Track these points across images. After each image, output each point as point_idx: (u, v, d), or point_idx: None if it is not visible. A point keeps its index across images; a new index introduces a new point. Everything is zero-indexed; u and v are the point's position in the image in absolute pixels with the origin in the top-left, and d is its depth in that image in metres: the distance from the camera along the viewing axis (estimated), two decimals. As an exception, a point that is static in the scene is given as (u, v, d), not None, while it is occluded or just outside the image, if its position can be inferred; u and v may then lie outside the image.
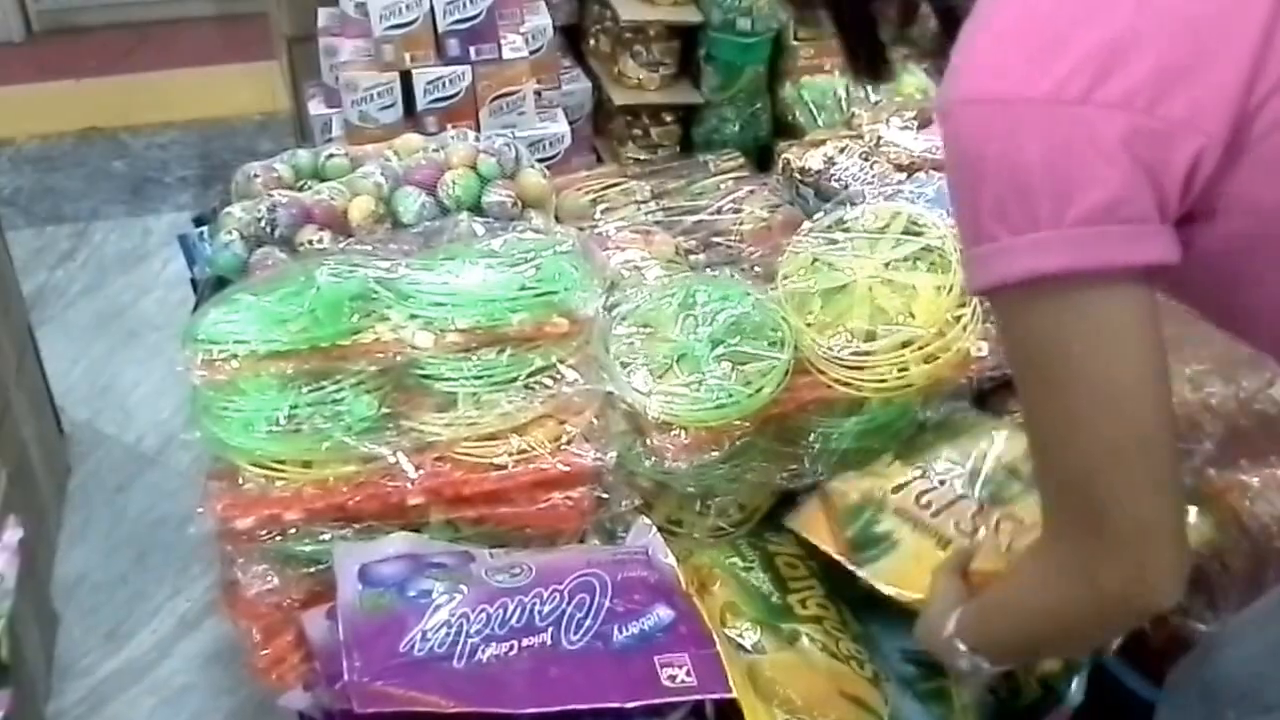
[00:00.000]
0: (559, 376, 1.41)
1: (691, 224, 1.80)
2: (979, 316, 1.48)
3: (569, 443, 1.40)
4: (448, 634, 1.21)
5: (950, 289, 1.47)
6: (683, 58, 2.33)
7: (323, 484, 1.35)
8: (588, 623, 1.24)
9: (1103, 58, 0.82)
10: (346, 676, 1.16)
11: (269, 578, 1.36)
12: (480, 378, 1.38)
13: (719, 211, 1.83)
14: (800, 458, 1.50)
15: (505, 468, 1.38)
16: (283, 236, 1.60)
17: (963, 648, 1.14)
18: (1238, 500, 1.39)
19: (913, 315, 1.47)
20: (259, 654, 1.36)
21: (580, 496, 1.41)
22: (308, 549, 1.35)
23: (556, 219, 1.75)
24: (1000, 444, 1.46)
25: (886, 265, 1.51)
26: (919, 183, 1.76)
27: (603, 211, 1.84)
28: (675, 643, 1.25)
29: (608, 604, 1.26)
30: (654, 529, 1.42)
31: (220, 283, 1.57)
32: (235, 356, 1.34)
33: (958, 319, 1.47)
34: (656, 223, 1.80)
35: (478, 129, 2.02)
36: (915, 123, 1.95)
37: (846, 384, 1.46)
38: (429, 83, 2.02)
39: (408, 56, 2.01)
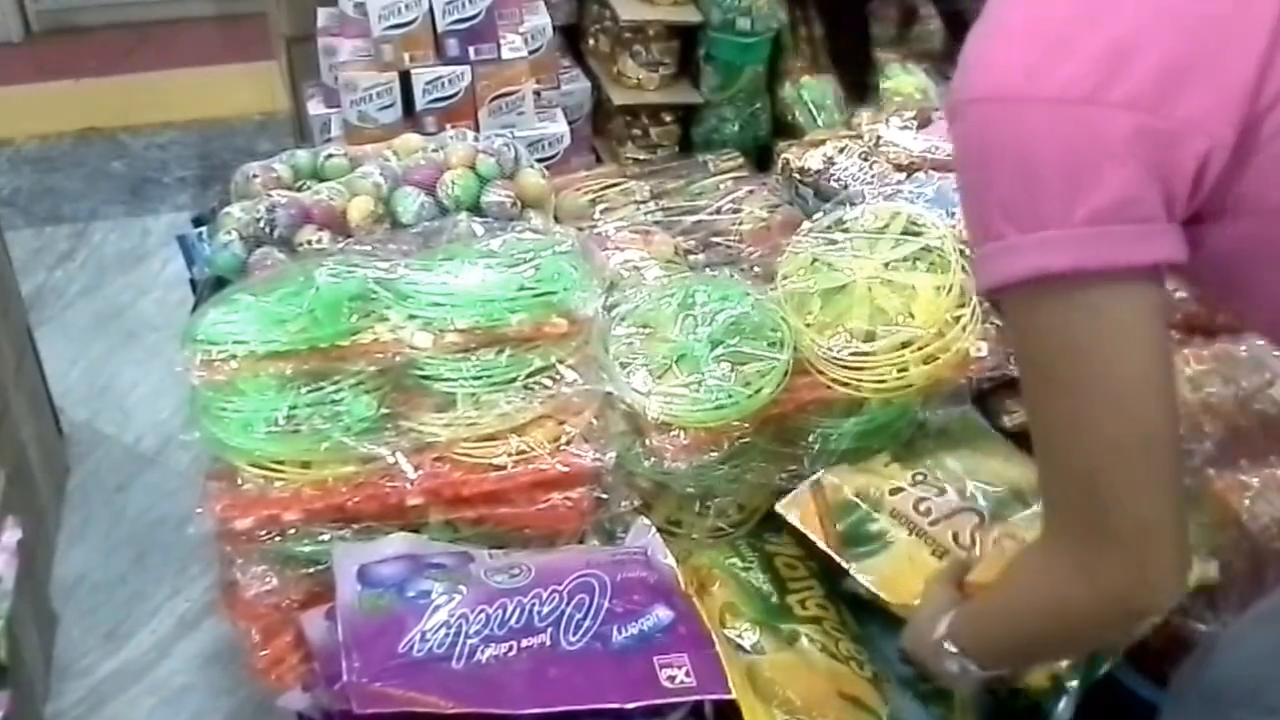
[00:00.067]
0: (558, 377, 1.41)
1: (691, 224, 1.80)
2: (978, 317, 1.48)
3: (568, 443, 1.40)
4: (447, 635, 1.20)
5: (950, 289, 1.47)
6: (682, 58, 2.33)
7: (322, 484, 1.35)
8: (587, 623, 1.24)
9: (1110, 58, 0.83)
10: (345, 677, 1.16)
11: (268, 578, 1.36)
12: (479, 378, 1.38)
13: (718, 211, 1.83)
14: (800, 458, 1.50)
15: (504, 468, 1.38)
16: (282, 237, 1.60)
17: (953, 650, 1.14)
18: (1237, 500, 1.39)
19: (912, 315, 1.47)
20: (258, 654, 1.36)
21: (579, 497, 1.41)
22: (307, 549, 1.35)
23: (556, 219, 1.75)
24: (1008, 465, 1.46)
25: (886, 265, 1.51)
26: (918, 183, 1.76)
27: (602, 211, 1.84)
28: (674, 643, 1.25)
29: (607, 604, 1.26)
30: (653, 529, 1.42)
31: (219, 283, 1.57)
32: (234, 357, 1.34)
33: (957, 319, 1.47)
34: (656, 223, 1.80)
35: (477, 129, 2.02)
36: (915, 123, 1.95)
37: (846, 384, 1.46)
38: (428, 83, 2.02)
39: (407, 56, 2.01)
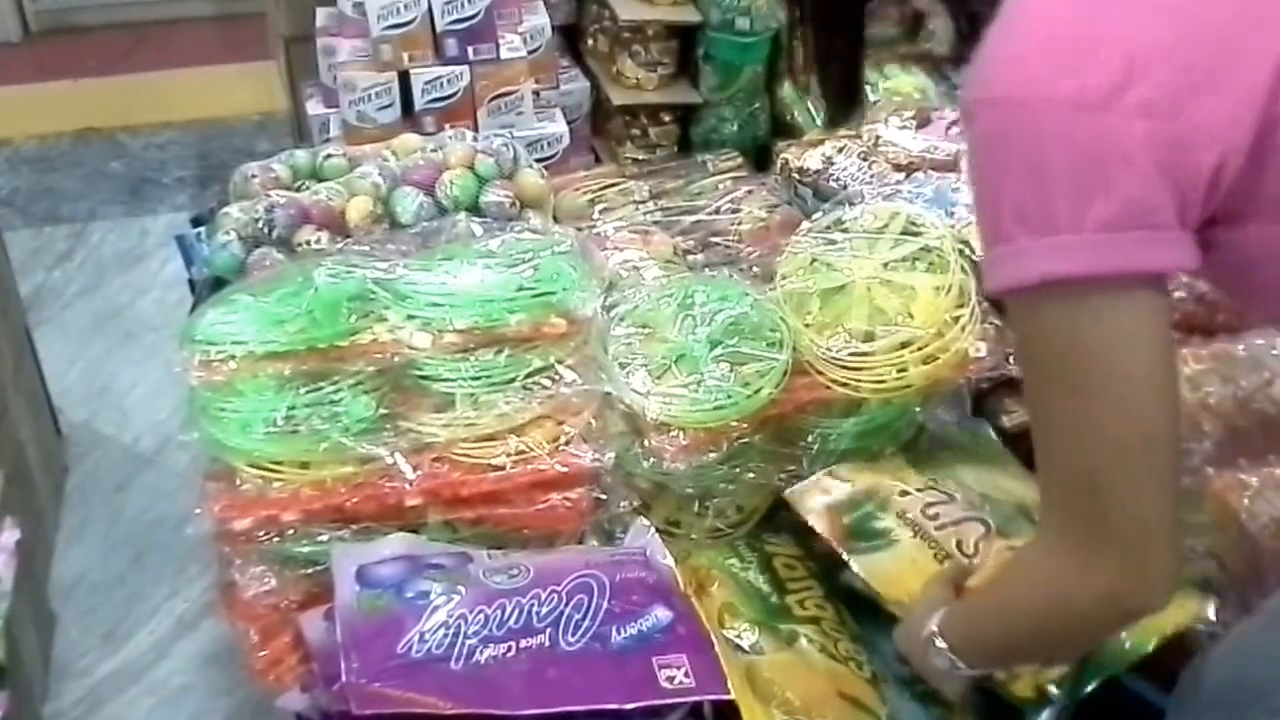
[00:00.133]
0: (557, 377, 1.41)
1: (690, 224, 1.80)
2: (977, 317, 1.48)
3: (567, 443, 1.40)
4: (445, 635, 1.20)
5: (949, 289, 1.47)
6: (681, 57, 2.33)
7: (320, 485, 1.35)
8: (586, 624, 1.24)
9: (1126, 65, 0.83)
10: (344, 678, 1.16)
11: (267, 579, 1.36)
12: (478, 378, 1.38)
13: (717, 211, 1.83)
14: (799, 459, 1.50)
15: (503, 469, 1.38)
16: (280, 237, 1.60)
17: (942, 646, 1.15)
18: (1237, 500, 1.38)
19: (911, 316, 1.47)
20: (257, 655, 1.36)
21: (578, 497, 1.40)
22: (305, 550, 1.35)
23: (555, 219, 1.75)
24: (1019, 484, 1.46)
25: (885, 266, 1.51)
26: (917, 183, 1.76)
27: (601, 211, 1.84)
28: (673, 644, 1.25)
29: (606, 605, 1.26)
30: (652, 530, 1.42)
31: (218, 283, 1.56)
32: (233, 357, 1.34)
33: (956, 319, 1.47)
34: (655, 223, 1.80)
35: (476, 129, 2.02)
36: (914, 123, 1.95)
37: (845, 385, 1.46)
38: (427, 83, 2.02)
39: (406, 56, 2.01)
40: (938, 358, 1.46)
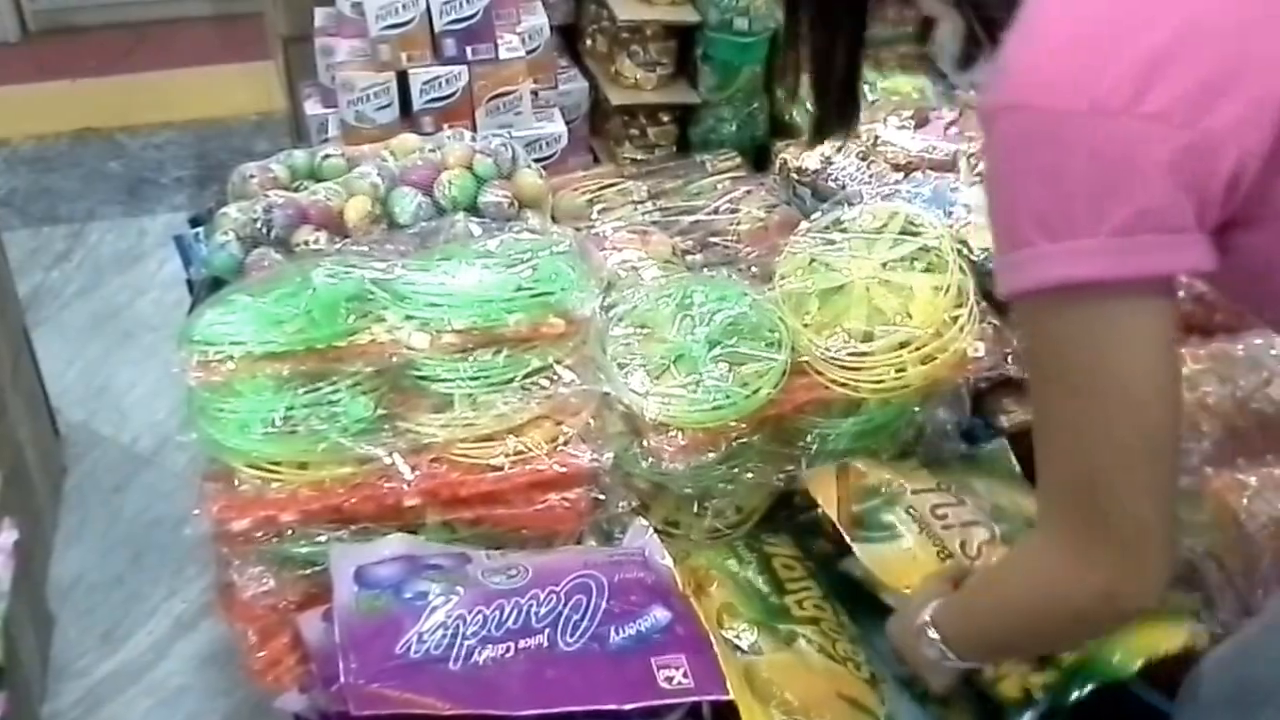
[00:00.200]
0: (555, 377, 1.41)
1: (688, 224, 1.80)
2: (976, 317, 1.49)
3: (566, 444, 1.40)
4: (444, 636, 1.20)
5: (947, 289, 1.47)
6: (680, 57, 2.33)
7: (319, 485, 1.35)
8: (584, 624, 1.24)
9: (1145, 70, 0.83)
10: (343, 678, 1.16)
11: (265, 579, 1.36)
12: (476, 379, 1.38)
13: (716, 212, 1.83)
14: (797, 459, 1.50)
15: (502, 469, 1.38)
16: (279, 237, 1.60)
17: (934, 636, 1.17)
18: (1235, 499, 1.38)
19: (910, 316, 1.47)
20: (255, 656, 1.36)
21: (577, 498, 1.40)
22: (304, 551, 1.35)
23: (553, 219, 1.75)
24: (1030, 503, 1.45)
25: (884, 266, 1.51)
26: (916, 183, 1.76)
27: (599, 212, 1.84)
28: (672, 644, 1.25)
29: (604, 605, 1.26)
30: (651, 530, 1.42)
31: (216, 283, 1.56)
32: (231, 358, 1.33)
33: (955, 319, 1.47)
34: (653, 223, 1.80)
35: (474, 129, 2.02)
36: (912, 122, 1.95)
37: (844, 385, 1.46)
38: (425, 83, 2.02)
39: (404, 56, 2.01)
40: (936, 358, 1.46)
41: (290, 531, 1.35)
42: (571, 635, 1.23)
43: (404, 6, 1.97)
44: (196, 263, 1.70)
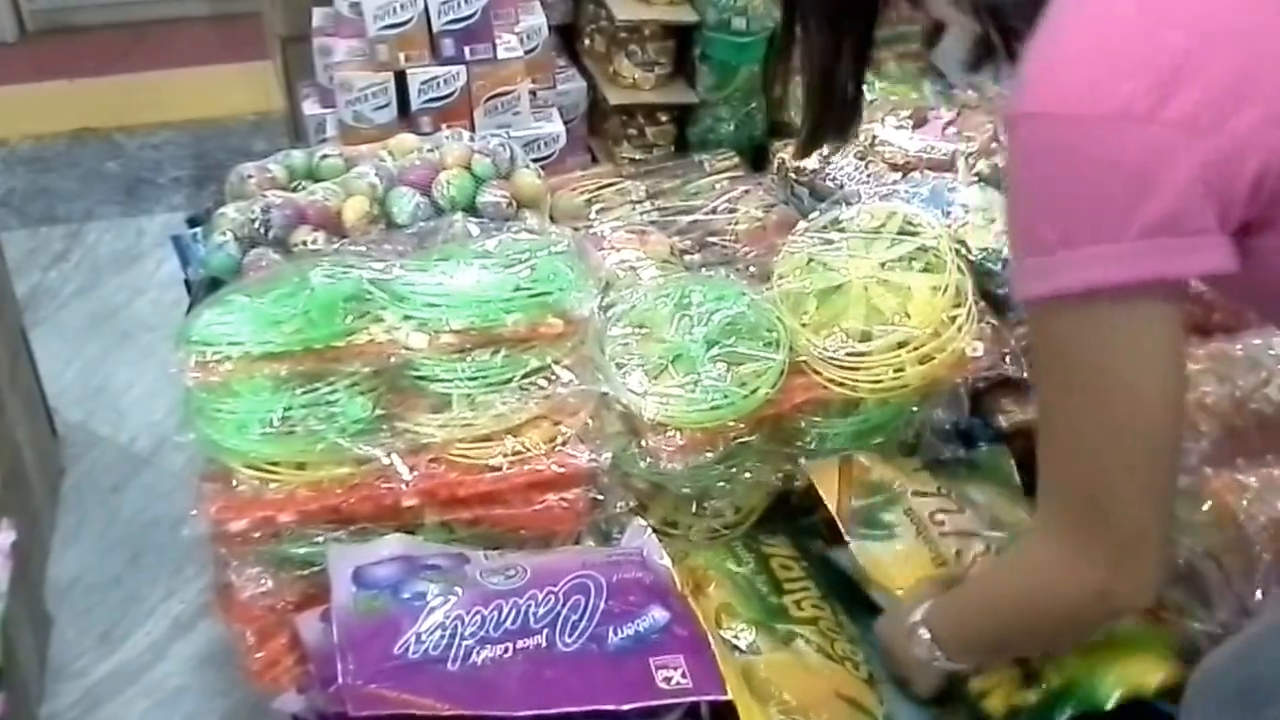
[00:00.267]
0: (554, 377, 1.41)
1: (687, 224, 1.80)
2: (974, 317, 1.49)
3: (564, 444, 1.39)
4: (442, 636, 1.20)
5: (946, 289, 1.47)
6: (678, 57, 2.32)
7: (317, 486, 1.35)
8: (582, 625, 1.24)
9: (1168, 76, 0.83)
10: (341, 679, 1.16)
11: (263, 580, 1.36)
12: (475, 379, 1.38)
13: (714, 211, 1.83)
14: (796, 459, 1.50)
15: (500, 469, 1.38)
16: (277, 237, 1.60)
17: (925, 635, 1.19)
18: (1235, 500, 1.38)
19: (908, 315, 1.47)
20: (253, 657, 1.35)
21: (575, 498, 1.40)
22: (302, 551, 1.35)
23: (551, 219, 1.75)
24: (1024, 515, 1.46)
25: (882, 265, 1.51)
26: (914, 182, 1.76)
27: (598, 211, 1.83)
28: (670, 644, 1.25)
29: (603, 606, 1.26)
30: (649, 530, 1.42)
31: (214, 284, 1.56)
32: (229, 358, 1.33)
33: (953, 319, 1.47)
34: (652, 223, 1.79)
35: (472, 129, 2.01)
36: (910, 122, 1.95)
37: (842, 384, 1.46)
38: (423, 83, 2.02)
39: (402, 56, 2.01)
40: (934, 357, 1.46)
41: (288, 532, 1.35)
42: (570, 635, 1.23)
43: (402, 6, 1.97)
44: (194, 263, 1.70)
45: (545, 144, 2.12)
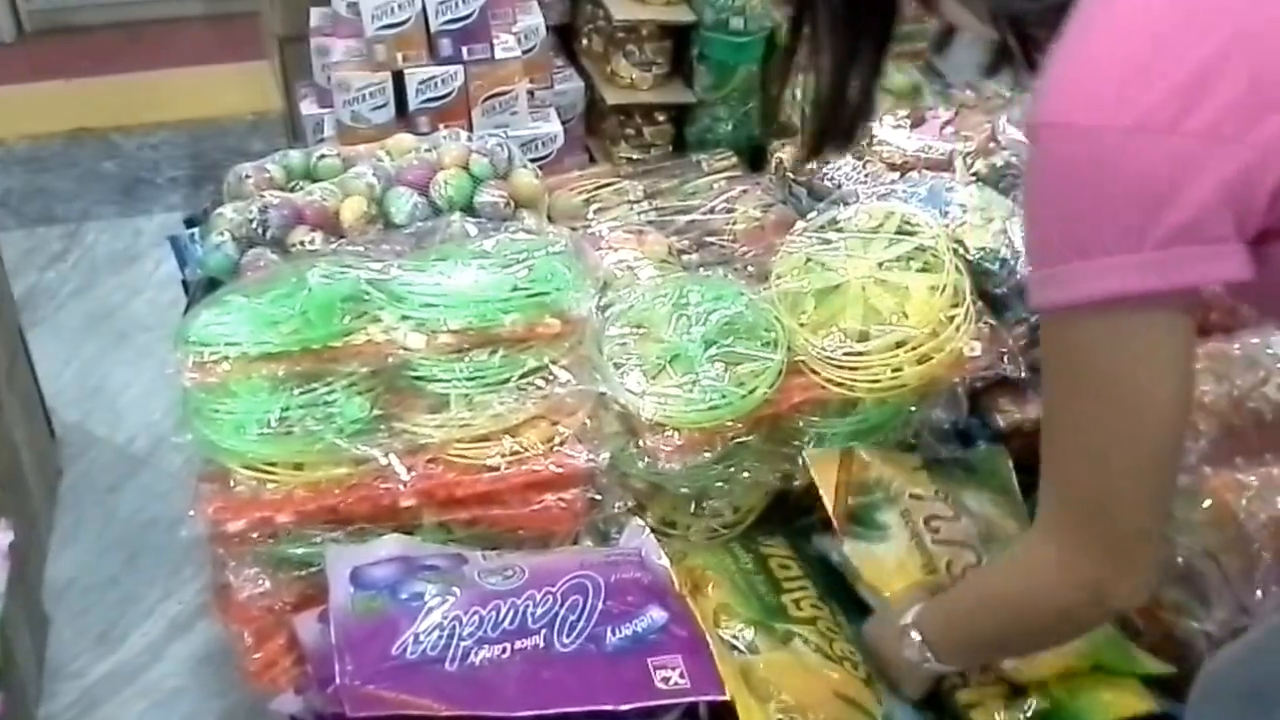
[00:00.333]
0: (552, 377, 1.41)
1: (684, 224, 1.80)
2: (972, 316, 1.48)
3: (562, 444, 1.39)
4: (440, 637, 1.20)
5: (944, 289, 1.47)
6: (675, 57, 2.33)
7: (314, 486, 1.35)
8: (581, 625, 1.24)
9: (1190, 86, 0.83)
10: (338, 680, 1.16)
11: (261, 580, 1.36)
12: (472, 379, 1.38)
13: (712, 211, 1.82)
14: (794, 458, 1.50)
15: (498, 469, 1.37)
16: (274, 237, 1.60)
17: (916, 637, 1.19)
18: (1234, 499, 1.38)
19: (906, 315, 1.47)
20: (251, 657, 1.35)
21: (573, 498, 1.40)
22: (299, 552, 1.35)
23: (549, 219, 1.74)
24: (1018, 529, 1.46)
25: (880, 265, 1.51)
26: (912, 182, 1.76)
27: (595, 211, 1.83)
28: (669, 644, 1.25)
29: (601, 606, 1.26)
30: (647, 530, 1.42)
31: (212, 284, 1.56)
32: (227, 358, 1.33)
33: (951, 319, 1.47)
34: (649, 223, 1.79)
35: (470, 129, 2.01)
36: (908, 122, 1.94)
37: (840, 384, 1.46)
38: (421, 83, 2.02)
39: (400, 56, 2.01)
40: (932, 357, 1.46)
41: (286, 532, 1.35)
42: (568, 636, 1.23)
43: (400, 6, 1.97)
44: (192, 263, 1.70)
45: (543, 144, 2.12)
